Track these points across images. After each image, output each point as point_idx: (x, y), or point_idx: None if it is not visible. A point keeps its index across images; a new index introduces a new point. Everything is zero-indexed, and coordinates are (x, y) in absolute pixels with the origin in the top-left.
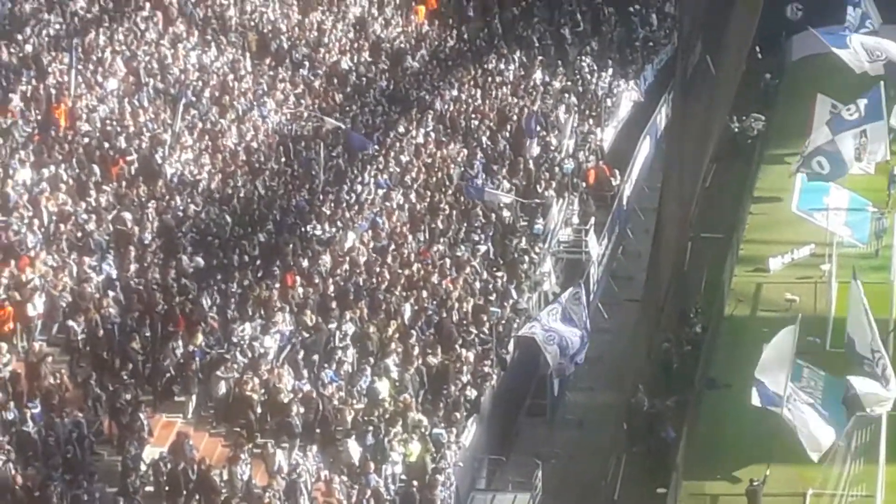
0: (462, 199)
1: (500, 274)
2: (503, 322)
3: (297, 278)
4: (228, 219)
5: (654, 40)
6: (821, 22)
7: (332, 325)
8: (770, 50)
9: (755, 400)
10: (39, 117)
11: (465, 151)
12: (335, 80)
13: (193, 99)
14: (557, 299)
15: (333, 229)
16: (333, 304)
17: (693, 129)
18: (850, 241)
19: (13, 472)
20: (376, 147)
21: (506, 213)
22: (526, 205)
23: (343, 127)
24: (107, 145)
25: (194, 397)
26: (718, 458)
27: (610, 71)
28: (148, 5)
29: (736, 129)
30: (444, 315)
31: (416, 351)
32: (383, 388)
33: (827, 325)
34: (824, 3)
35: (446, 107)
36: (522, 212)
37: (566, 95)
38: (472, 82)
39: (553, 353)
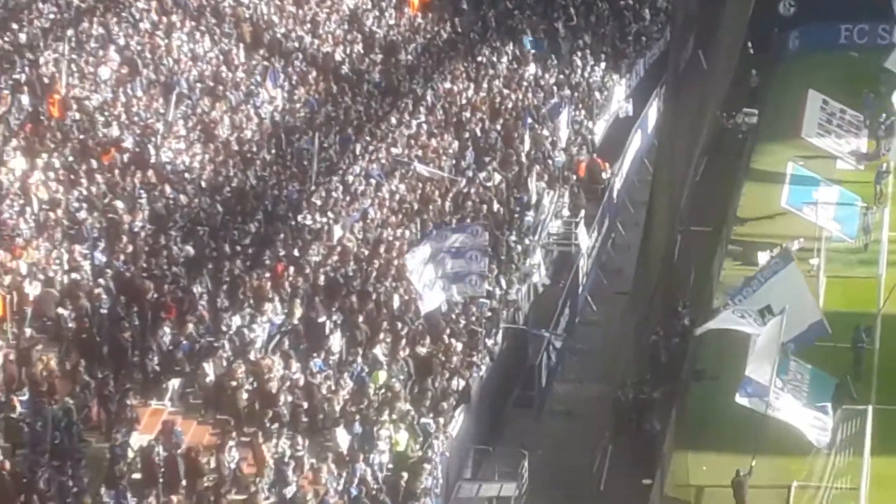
0: (455, 190)
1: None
2: (492, 312)
3: (288, 268)
4: (220, 208)
5: (647, 35)
6: (813, 17)
7: (321, 315)
8: (762, 46)
9: (741, 399)
10: (32, 107)
11: (457, 143)
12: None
13: (187, 89)
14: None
15: (324, 219)
16: (323, 294)
17: (684, 123)
18: (838, 236)
19: (1, 458)
20: None
21: (496, 205)
22: (517, 197)
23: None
24: (100, 134)
25: (183, 385)
26: (704, 449)
27: (602, 65)
28: None
29: (729, 126)
30: None
31: (405, 341)
32: (376, 377)
33: None
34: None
35: (438, 99)
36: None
37: (559, 88)
38: (464, 75)
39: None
